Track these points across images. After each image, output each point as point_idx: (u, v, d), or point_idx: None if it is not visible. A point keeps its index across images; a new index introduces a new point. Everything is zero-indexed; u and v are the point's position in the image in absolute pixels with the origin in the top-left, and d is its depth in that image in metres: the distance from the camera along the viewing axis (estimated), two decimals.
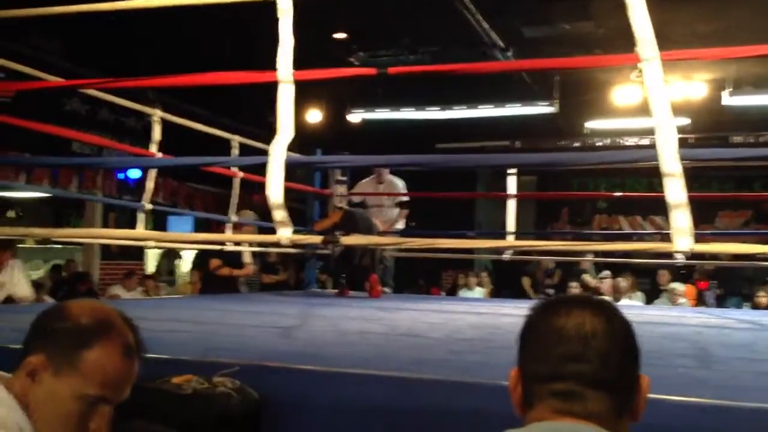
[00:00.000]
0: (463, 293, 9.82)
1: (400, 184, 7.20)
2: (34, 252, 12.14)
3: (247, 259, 6.54)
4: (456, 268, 11.61)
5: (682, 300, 7.84)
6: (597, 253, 8.51)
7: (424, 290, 11.12)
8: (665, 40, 2.36)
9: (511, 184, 6.85)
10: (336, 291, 6.78)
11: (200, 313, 4.34)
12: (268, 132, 3.01)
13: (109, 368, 1.17)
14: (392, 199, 7.11)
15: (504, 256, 6.86)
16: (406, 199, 7.15)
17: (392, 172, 7.13)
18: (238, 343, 2.96)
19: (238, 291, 7.00)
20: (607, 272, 8.73)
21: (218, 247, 6.16)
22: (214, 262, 6.65)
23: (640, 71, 2.40)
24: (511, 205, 6.81)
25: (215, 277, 6.71)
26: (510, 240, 6.52)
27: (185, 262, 11.75)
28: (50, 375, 1.16)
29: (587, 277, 8.35)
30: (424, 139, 9.26)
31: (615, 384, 1.00)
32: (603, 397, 0.99)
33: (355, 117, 9.46)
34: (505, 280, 10.50)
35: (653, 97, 2.34)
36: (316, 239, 3.07)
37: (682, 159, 2.32)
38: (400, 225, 7.14)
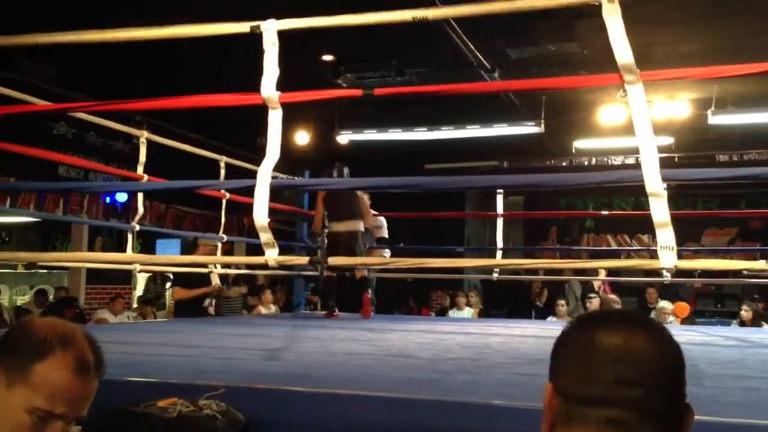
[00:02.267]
0: (453, 313, 9.80)
1: (382, 219, 7.20)
2: (20, 277, 12.04)
3: (215, 280, 6.40)
4: (445, 288, 11.60)
5: (670, 318, 7.85)
6: (587, 273, 8.56)
7: (415, 311, 11.09)
8: (648, 60, 2.42)
9: (500, 204, 6.90)
10: (324, 313, 6.74)
11: (187, 336, 4.31)
12: (257, 154, 3.02)
13: (59, 382, 1.17)
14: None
15: (493, 275, 6.88)
16: (385, 235, 7.14)
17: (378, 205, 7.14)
18: (225, 365, 2.94)
19: (207, 314, 6.87)
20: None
21: (191, 270, 6.10)
22: (178, 293, 6.56)
23: (626, 91, 2.44)
24: (500, 225, 6.86)
25: (185, 304, 6.63)
26: (498, 258, 6.55)
27: None
28: (4, 387, 1.17)
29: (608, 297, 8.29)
30: (412, 160, 9.30)
31: (666, 414, 0.92)
32: (655, 428, 0.91)
33: (343, 138, 9.49)
34: (495, 300, 10.50)
35: (636, 119, 2.38)
36: (303, 260, 3.06)
37: (666, 179, 2.34)
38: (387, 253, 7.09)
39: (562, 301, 8.89)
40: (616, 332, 0.95)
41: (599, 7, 2.41)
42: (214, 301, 7.17)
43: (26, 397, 1.15)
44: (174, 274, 6.57)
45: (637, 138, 2.36)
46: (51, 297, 9.91)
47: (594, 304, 8.09)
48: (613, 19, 2.38)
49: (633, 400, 0.90)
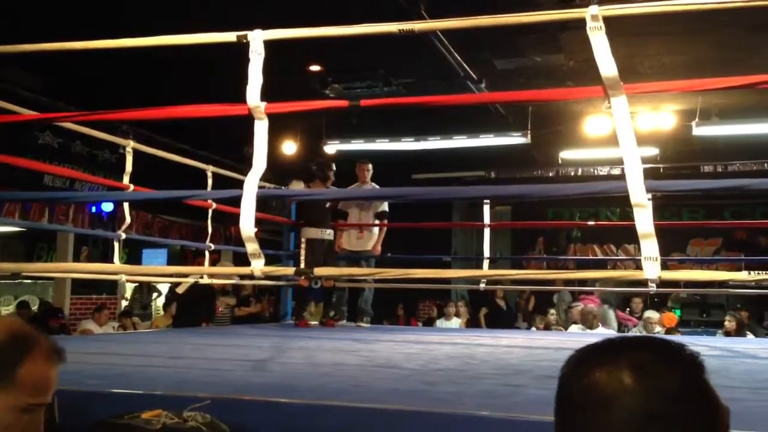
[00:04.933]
0: (441, 323, 9.80)
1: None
2: (3, 287, 11.92)
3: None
4: (433, 297, 11.61)
5: (657, 328, 7.88)
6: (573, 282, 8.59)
7: (403, 320, 11.07)
8: (633, 72, 2.44)
9: (487, 214, 6.92)
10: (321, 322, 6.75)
11: (173, 348, 4.29)
12: (244, 164, 3.02)
13: (41, 377, 1.26)
14: (371, 207, 7.01)
15: (480, 285, 6.89)
16: (385, 209, 7.05)
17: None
18: (211, 376, 2.92)
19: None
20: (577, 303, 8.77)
21: (192, 280, 6.09)
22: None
23: (610, 103, 2.46)
24: (487, 235, 6.88)
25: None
26: (485, 269, 6.56)
27: (162, 297, 11.60)
28: None
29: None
30: (399, 170, 9.31)
31: None
32: None
33: (331, 148, 9.50)
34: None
35: (620, 131, 2.41)
36: (289, 270, 3.06)
37: (649, 191, 2.37)
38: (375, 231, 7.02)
39: (552, 310, 8.94)
40: (593, 371, 0.87)
41: (584, 20, 2.43)
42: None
43: (16, 398, 1.21)
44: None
45: (621, 150, 2.39)
46: (35, 308, 9.83)
47: (575, 313, 8.13)
48: (596, 35, 2.41)
49: None
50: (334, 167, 6.57)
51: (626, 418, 0.80)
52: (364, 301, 6.89)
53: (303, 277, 5.70)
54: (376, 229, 6.95)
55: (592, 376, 0.84)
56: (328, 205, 6.43)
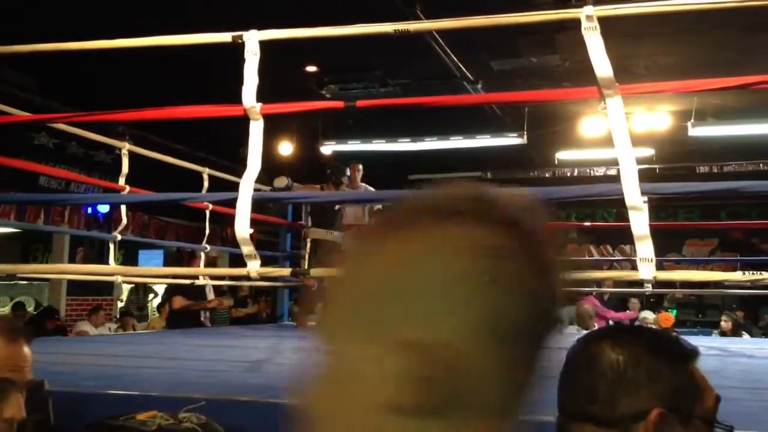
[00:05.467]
0: None
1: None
2: None
3: (210, 294, 6.39)
4: None
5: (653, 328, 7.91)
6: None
7: None
8: (628, 73, 2.44)
9: None
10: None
11: (168, 349, 4.28)
12: (241, 165, 3.02)
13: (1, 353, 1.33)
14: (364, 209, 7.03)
15: None
16: (380, 207, 7.04)
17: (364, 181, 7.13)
18: (206, 377, 2.92)
19: (203, 326, 6.88)
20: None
21: (187, 281, 6.09)
22: (178, 301, 6.54)
23: (606, 104, 2.47)
24: None
25: (180, 314, 6.60)
26: None
27: (158, 298, 11.60)
28: None
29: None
30: (396, 171, 9.31)
31: (603, 418, 0.98)
32: (590, 429, 0.99)
33: (327, 149, 9.49)
34: None
35: (615, 133, 2.41)
36: (285, 271, 3.06)
37: (645, 193, 2.37)
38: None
39: None
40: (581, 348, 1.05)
41: (579, 20, 2.44)
42: (208, 314, 7.16)
43: None
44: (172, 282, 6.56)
45: (617, 152, 2.39)
46: (31, 309, 9.80)
47: (571, 312, 8.15)
48: (591, 36, 2.41)
49: (564, 407, 1.03)
50: (348, 172, 6.60)
51: (577, 369, 1.00)
52: None
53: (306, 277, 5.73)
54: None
55: (584, 345, 1.05)
56: (337, 207, 6.46)
